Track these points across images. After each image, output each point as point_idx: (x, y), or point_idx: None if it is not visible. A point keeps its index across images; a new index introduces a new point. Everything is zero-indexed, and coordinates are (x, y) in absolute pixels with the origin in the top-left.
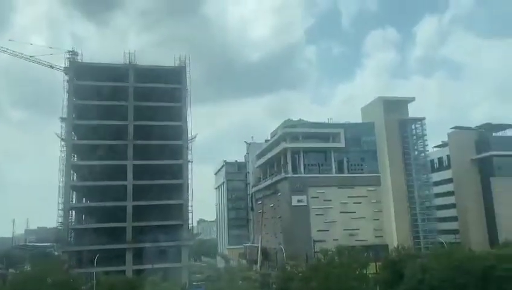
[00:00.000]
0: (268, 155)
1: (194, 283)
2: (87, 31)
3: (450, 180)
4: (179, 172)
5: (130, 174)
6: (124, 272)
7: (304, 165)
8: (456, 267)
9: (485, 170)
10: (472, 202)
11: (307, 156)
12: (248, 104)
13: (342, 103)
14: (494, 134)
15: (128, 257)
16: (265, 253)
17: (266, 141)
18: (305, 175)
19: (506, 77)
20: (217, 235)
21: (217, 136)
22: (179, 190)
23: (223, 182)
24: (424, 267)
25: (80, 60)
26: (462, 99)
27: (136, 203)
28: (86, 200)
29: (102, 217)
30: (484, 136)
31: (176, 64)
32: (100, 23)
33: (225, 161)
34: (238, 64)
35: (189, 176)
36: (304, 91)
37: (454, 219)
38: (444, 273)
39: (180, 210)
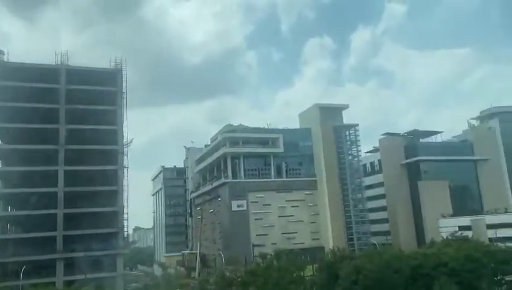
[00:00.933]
0: (208, 160)
1: None
2: (15, 28)
3: (381, 184)
4: (113, 178)
5: (61, 181)
6: (54, 283)
7: (244, 170)
8: (387, 266)
9: (413, 174)
10: (401, 205)
11: (246, 161)
12: (188, 109)
13: (280, 109)
14: (421, 140)
15: (59, 267)
16: (204, 260)
17: (206, 146)
18: (245, 180)
19: (432, 87)
20: (154, 243)
21: (156, 141)
22: (114, 196)
23: (161, 188)
24: (358, 268)
25: (5, 60)
26: (393, 107)
27: (67, 211)
28: (12, 209)
29: (31, 226)
30: (412, 142)
31: (112, 67)
32: (29, 20)
33: (163, 166)
34: (178, 68)
35: (125, 182)
36: (244, 96)
37: (385, 220)
38: (376, 273)
39: (115, 217)
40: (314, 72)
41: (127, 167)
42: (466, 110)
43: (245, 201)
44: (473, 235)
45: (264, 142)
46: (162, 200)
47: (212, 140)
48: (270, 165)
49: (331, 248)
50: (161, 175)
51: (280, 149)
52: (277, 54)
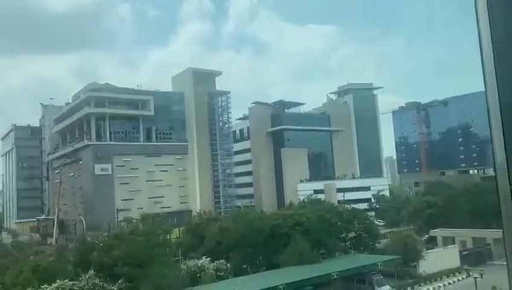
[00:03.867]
0: (69, 120)
1: None
2: None
3: (248, 150)
4: None
5: None
6: None
7: (110, 132)
8: (249, 227)
9: (277, 141)
10: (266, 170)
11: (113, 123)
12: (48, 61)
13: (153, 70)
14: (286, 110)
15: None
16: (62, 225)
17: (67, 104)
18: (110, 143)
19: (302, 60)
20: (2, 208)
21: (7, 95)
22: None
23: (12, 149)
24: (223, 229)
25: None
26: (265, 76)
27: None
28: None
29: None
30: (278, 111)
31: None
32: None
33: (14, 124)
34: (39, 15)
35: None
36: (114, 53)
37: (250, 184)
38: (239, 233)
39: None
40: (190, 34)
41: None
42: (329, 84)
43: (110, 165)
44: (325, 198)
45: (133, 104)
46: (14, 162)
47: (75, 98)
48: (139, 128)
49: (198, 211)
50: (12, 134)
51: (150, 112)
52: (153, 11)
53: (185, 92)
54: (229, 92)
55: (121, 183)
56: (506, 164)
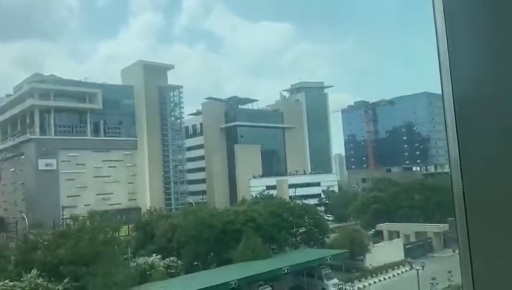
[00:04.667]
0: (11, 112)
1: None
2: None
3: (201, 146)
4: None
5: None
6: None
7: (55, 126)
8: (201, 223)
9: (231, 137)
10: (218, 166)
11: (58, 116)
12: None
13: (102, 62)
14: (240, 106)
15: None
16: (2, 223)
17: (8, 95)
18: (55, 137)
19: (256, 57)
20: None
21: None
22: None
23: None
24: (174, 226)
25: None
26: (219, 72)
27: None
28: None
29: None
30: (232, 107)
31: None
32: None
33: None
34: None
35: None
36: (60, 43)
37: (203, 181)
38: (190, 229)
39: None
40: (142, 26)
41: None
42: (282, 82)
43: (55, 160)
44: (277, 194)
45: (80, 97)
46: None
47: (16, 90)
48: (86, 122)
49: (149, 208)
50: None
51: (98, 106)
52: (103, 1)
53: (135, 86)
54: (181, 87)
55: (67, 179)
56: (459, 159)
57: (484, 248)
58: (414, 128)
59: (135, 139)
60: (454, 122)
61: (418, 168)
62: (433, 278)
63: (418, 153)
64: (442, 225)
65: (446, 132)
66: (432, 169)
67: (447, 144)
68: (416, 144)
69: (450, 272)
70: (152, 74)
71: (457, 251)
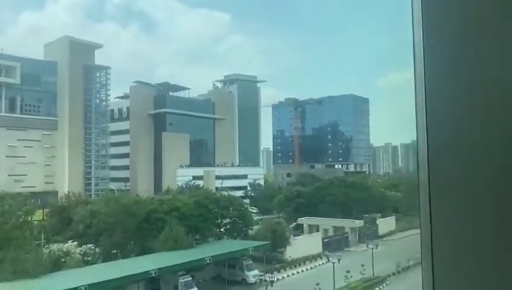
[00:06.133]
0: None
1: None
2: None
3: (127, 131)
4: None
5: None
6: None
7: None
8: (123, 211)
9: (159, 124)
10: (144, 153)
11: None
12: None
13: (23, 34)
14: (170, 93)
15: None
16: None
17: None
18: None
19: (190, 44)
20: None
21: None
22: None
23: None
24: (93, 213)
25: None
26: (151, 56)
27: None
28: None
29: None
30: (162, 94)
31: None
32: None
33: None
34: None
35: None
36: None
37: (126, 167)
38: (111, 217)
39: None
40: (71, 0)
41: None
42: (216, 72)
43: None
44: (204, 184)
45: None
46: None
47: None
48: (1, 97)
49: (66, 192)
50: None
51: (16, 80)
52: None
53: (58, 62)
54: (109, 68)
55: None
56: (427, 158)
57: (447, 254)
58: (339, 128)
59: (55, 119)
60: (425, 120)
61: (340, 166)
62: (348, 271)
63: (340, 151)
64: (358, 221)
65: (417, 132)
66: (352, 168)
67: (417, 143)
68: (340, 143)
69: (363, 265)
70: (78, 52)
71: (370, 246)
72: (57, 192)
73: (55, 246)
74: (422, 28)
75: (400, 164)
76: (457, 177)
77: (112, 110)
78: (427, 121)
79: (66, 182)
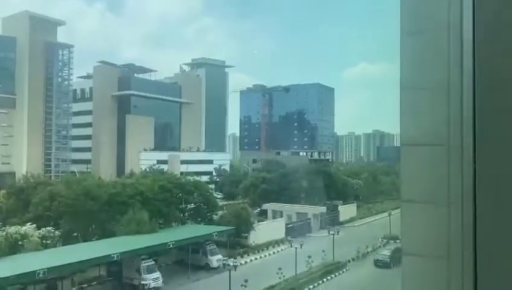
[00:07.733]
0: None
1: None
2: None
3: (89, 112)
4: None
5: None
6: None
7: None
8: (84, 194)
9: (123, 106)
10: (107, 135)
11: None
12: None
13: None
14: (136, 75)
15: None
16: None
17: None
18: None
19: (158, 25)
20: None
21: None
22: None
23: None
24: (53, 195)
25: None
26: (118, 35)
27: None
28: None
29: None
30: (127, 75)
31: None
32: None
33: None
34: None
35: None
36: None
37: (88, 149)
38: (72, 199)
39: None
40: None
41: None
42: (183, 55)
43: None
44: (168, 169)
45: None
46: None
47: None
48: None
49: (25, 173)
50: None
51: None
52: None
53: (17, 38)
54: (72, 46)
55: None
56: (473, 157)
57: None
58: (305, 116)
59: (14, 97)
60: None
61: (304, 154)
62: (309, 256)
63: (305, 139)
64: (321, 207)
65: (400, 122)
66: (316, 155)
67: (400, 135)
68: (305, 131)
69: (324, 251)
70: (39, 28)
71: (331, 232)
72: (15, 173)
73: (12, 229)
74: (473, 24)
75: (361, 153)
76: (505, 172)
77: (75, 90)
78: (474, 118)
79: (24, 163)
